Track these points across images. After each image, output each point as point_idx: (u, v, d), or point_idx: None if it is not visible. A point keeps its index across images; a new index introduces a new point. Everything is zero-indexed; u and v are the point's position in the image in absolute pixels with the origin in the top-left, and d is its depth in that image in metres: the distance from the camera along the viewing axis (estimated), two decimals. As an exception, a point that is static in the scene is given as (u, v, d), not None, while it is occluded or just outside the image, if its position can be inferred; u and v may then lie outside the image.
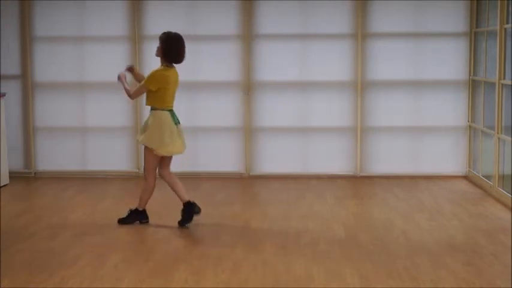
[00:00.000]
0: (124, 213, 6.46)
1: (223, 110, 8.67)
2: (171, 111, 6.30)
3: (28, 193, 8.07)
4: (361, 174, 8.66)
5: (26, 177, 8.73)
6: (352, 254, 5.47)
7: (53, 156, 8.81)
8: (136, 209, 6.43)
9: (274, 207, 7.00)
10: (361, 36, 8.51)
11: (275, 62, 8.56)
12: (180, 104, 8.62)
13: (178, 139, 6.31)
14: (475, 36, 8.40)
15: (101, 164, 8.77)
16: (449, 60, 8.53)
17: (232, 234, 6.06)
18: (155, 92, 6.21)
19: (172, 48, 6.24)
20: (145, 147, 6.31)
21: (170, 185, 6.42)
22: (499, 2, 7.33)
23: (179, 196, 6.39)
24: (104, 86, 8.73)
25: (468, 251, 5.52)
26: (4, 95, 8.28)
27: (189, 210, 6.35)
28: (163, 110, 6.24)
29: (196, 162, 8.74)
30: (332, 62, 8.60)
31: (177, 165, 8.67)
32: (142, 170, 6.43)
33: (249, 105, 8.61)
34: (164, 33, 6.32)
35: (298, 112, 8.65)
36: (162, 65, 6.28)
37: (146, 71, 8.60)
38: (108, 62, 8.67)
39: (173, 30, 8.53)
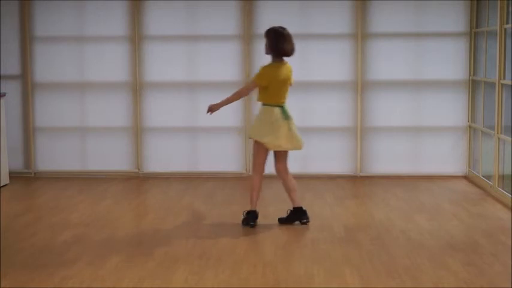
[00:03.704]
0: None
1: (223, 110, 8.63)
2: (282, 107, 6.28)
3: (28, 193, 8.07)
4: (361, 174, 8.66)
5: (26, 177, 8.73)
6: (352, 254, 5.47)
7: (53, 156, 8.82)
8: (250, 210, 6.36)
9: (274, 207, 6.99)
10: (361, 36, 8.51)
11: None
12: (180, 104, 8.74)
13: (288, 134, 6.25)
14: (475, 36, 8.40)
15: (101, 164, 8.77)
16: (449, 60, 8.54)
17: (232, 234, 6.06)
18: (266, 88, 6.20)
19: (280, 41, 6.24)
20: (254, 142, 6.28)
21: (284, 182, 6.41)
22: (499, 2, 7.33)
23: (291, 198, 6.41)
24: (104, 86, 8.74)
25: (468, 251, 5.52)
26: (4, 95, 8.29)
27: (296, 215, 6.35)
28: (273, 105, 6.23)
29: (197, 162, 8.75)
30: (332, 62, 8.60)
31: (177, 165, 8.74)
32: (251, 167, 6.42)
33: (249, 105, 8.60)
34: (269, 29, 6.31)
35: (298, 112, 8.63)
36: (272, 61, 6.28)
37: (146, 71, 8.65)
38: (108, 62, 8.69)
39: (173, 30, 8.65)
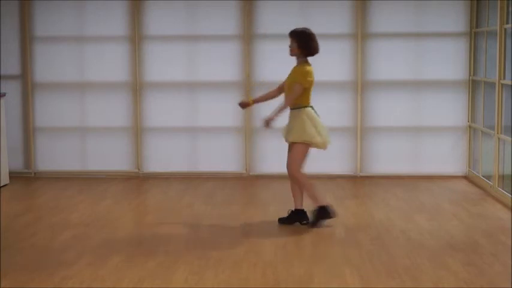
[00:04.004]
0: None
1: (223, 110, 8.67)
2: (312, 106, 6.29)
3: (28, 193, 8.07)
4: (361, 174, 8.66)
5: (26, 177, 8.73)
6: (352, 254, 5.47)
7: (53, 156, 8.82)
8: (320, 207, 6.28)
9: (274, 207, 7.00)
10: (361, 36, 8.51)
11: (275, 62, 8.55)
12: (180, 104, 8.74)
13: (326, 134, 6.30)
14: (475, 36, 8.40)
15: (101, 164, 8.77)
16: (449, 60, 8.54)
17: (232, 234, 6.06)
18: (305, 89, 6.20)
19: (308, 42, 6.25)
20: (295, 146, 6.22)
21: (292, 183, 6.37)
22: (499, 2, 7.33)
23: (295, 200, 6.38)
24: (104, 86, 8.74)
25: (468, 251, 5.52)
26: (4, 95, 8.29)
27: (296, 216, 6.34)
28: (307, 107, 6.23)
29: (197, 162, 8.75)
30: (332, 62, 8.59)
31: (177, 165, 8.74)
32: (287, 171, 6.28)
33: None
34: (296, 31, 6.30)
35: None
36: (301, 61, 6.28)
37: (146, 71, 8.65)
38: (108, 62, 8.69)
39: (173, 30, 8.65)
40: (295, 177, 6.26)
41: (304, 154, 6.24)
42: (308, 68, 6.25)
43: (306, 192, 6.31)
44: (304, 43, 6.25)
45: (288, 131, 6.30)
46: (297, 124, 6.21)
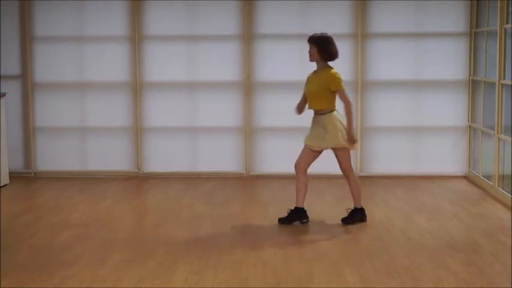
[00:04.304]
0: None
1: (223, 110, 8.67)
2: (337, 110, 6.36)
3: (28, 193, 8.07)
4: (361, 174, 8.65)
5: (26, 177, 8.73)
6: (352, 254, 5.47)
7: (53, 156, 8.82)
8: (355, 208, 6.46)
9: (274, 207, 7.00)
10: (361, 36, 8.51)
11: (275, 62, 8.57)
12: (180, 104, 8.74)
13: None
14: (475, 36, 8.40)
15: (101, 164, 8.77)
16: (449, 60, 8.54)
17: (232, 234, 6.06)
18: (332, 94, 6.27)
19: (327, 46, 6.28)
20: (340, 150, 6.30)
21: (298, 181, 6.42)
22: (499, 2, 7.33)
23: (297, 198, 6.42)
24: (104, 86, 8.74)
25: (468, 251, 5.52)
26: (4, 95, 8.29)
27: (296, 215, 6.38)
28: (335, 110, 6.31)
29: (197, 162, 8.75)
30: (332, 62, 8.56)
31: (177, 165, 8.74)
32: (341, 171, 6.47)
33: (249, 105, 8.61)
34: (313, 36, 6.31)
35: (298, 112, 8.64)
36: (322, 66, 6.32)
37: (146, 71, 8.65)
38: (108, 62, 8.69)
39: (173, 30, 8.65)
40: (350, 176, 6.42)
41: (349, 154, 6.38)
42: (335, 71, 6.30)
43: (355, 190, 6.46)
44: (323, 48, 6.27)
45: (320, 137, 6.31)
46: (332, 129, 6.25)
